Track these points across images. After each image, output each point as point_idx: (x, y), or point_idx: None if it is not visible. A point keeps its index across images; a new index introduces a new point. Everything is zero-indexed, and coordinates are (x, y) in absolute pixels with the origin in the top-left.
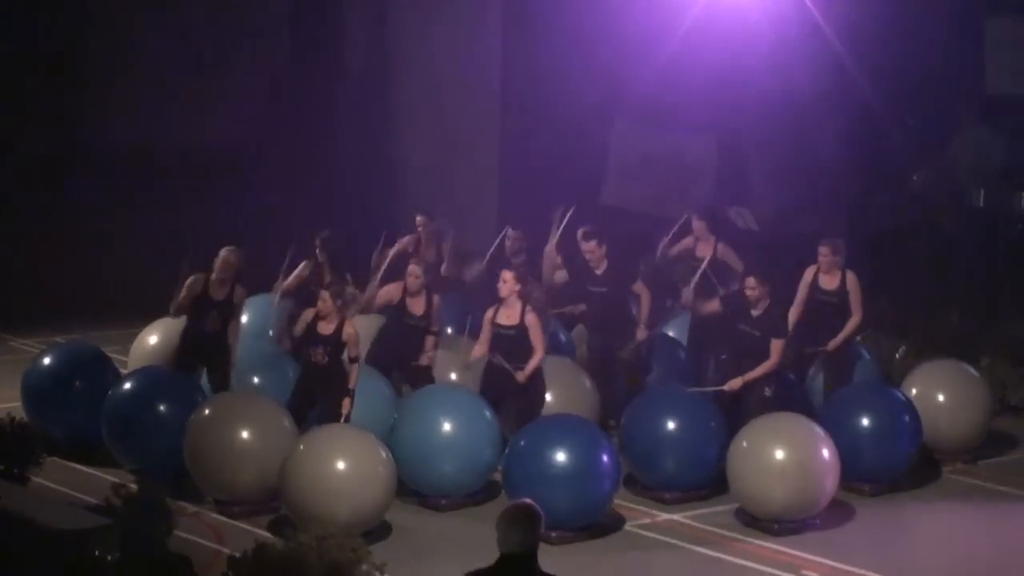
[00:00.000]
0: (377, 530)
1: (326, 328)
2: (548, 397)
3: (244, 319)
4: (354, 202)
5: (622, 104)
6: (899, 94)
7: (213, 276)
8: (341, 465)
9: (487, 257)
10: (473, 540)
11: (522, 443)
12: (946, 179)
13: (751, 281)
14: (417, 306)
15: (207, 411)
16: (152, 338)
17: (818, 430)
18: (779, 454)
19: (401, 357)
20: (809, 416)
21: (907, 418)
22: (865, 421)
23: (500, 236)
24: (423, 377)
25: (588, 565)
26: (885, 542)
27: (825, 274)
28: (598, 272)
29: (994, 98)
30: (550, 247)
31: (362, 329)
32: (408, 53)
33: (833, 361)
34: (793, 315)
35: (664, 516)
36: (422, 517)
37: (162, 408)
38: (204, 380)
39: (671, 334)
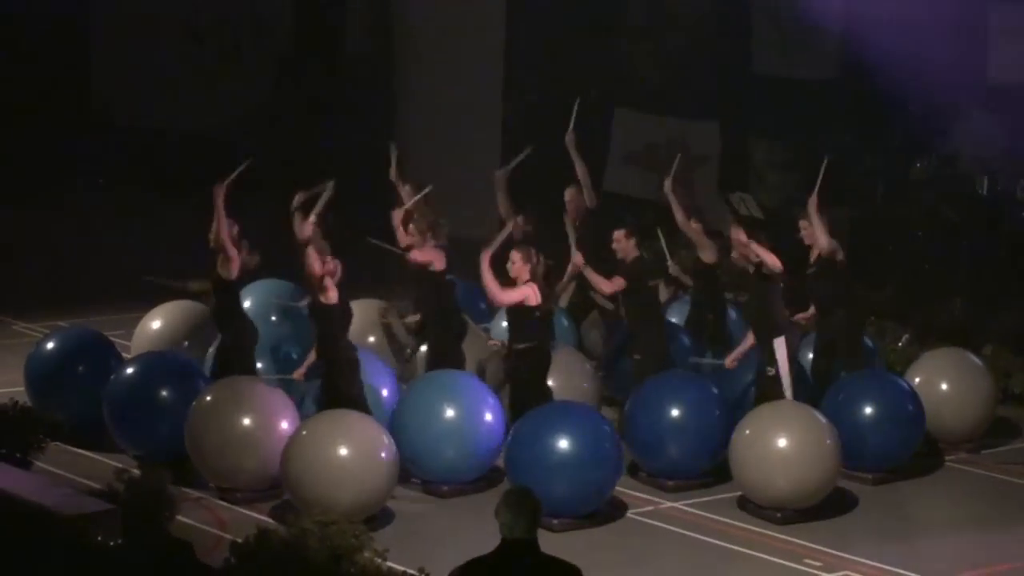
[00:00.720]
0: (379, 516)
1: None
2: (550, 383)
3: (247, 303)
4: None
5: (625, 90)
6: (903, 81)
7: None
8: (343, 451)
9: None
10: (475, 526)
11: (524, 430)
12: (949, 167)
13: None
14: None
15: (208, 398)
16: (155, 323)
17: (821, 418)
18: (782, 442)
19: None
20: (812, 403)
21: (910, 406)
22: (868, 409)
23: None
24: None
25: (590, 552)
26: (887, 530)
27: (810, 248)
28: (628, 263)
29: (998, 86)
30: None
31: (356, 315)
32: (412, 33)
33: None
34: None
35: (666, 504)
36: (424, 503)
37: (164, 393)
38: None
39: (672, 319)
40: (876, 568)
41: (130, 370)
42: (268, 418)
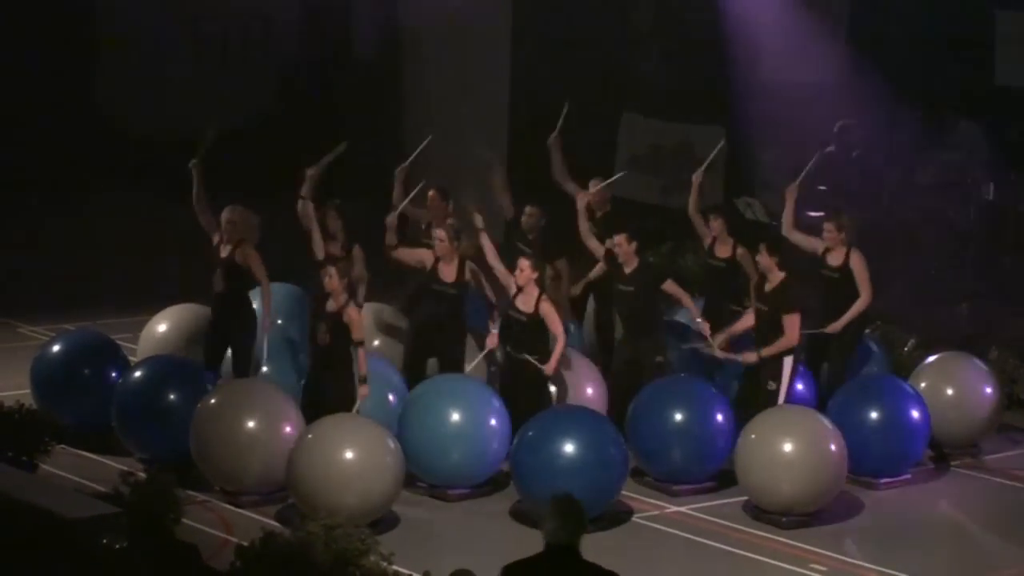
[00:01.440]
0: (385, 520)
1: (332, 306)
2: (554, 388)
3: (255, 308)
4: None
5: (631, 94)
6: (908, 85)
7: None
8: (349, 455)
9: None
10: (481, 530)
11: (530, 434)
12: (954, 171)
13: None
14: (448, 273)
15: (214, 400)
16: (161, 326)
17: (826, 423)
18: (787, 447)
19: (439, 324)
20: (818, 408)
21: (915, 411)
22: (873, 414)
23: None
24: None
25: (595, 557)
26: (892, 535)
27: (831, 251)
28: (627, 270)
29: (1003, 90)
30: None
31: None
32: (418, 37)
33: (836, 345)
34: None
35: (672, 508)
36: (430, 507)
37: (172, 397)
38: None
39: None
40: (881, 573)
41: (138, 373)
42: (274, 421)
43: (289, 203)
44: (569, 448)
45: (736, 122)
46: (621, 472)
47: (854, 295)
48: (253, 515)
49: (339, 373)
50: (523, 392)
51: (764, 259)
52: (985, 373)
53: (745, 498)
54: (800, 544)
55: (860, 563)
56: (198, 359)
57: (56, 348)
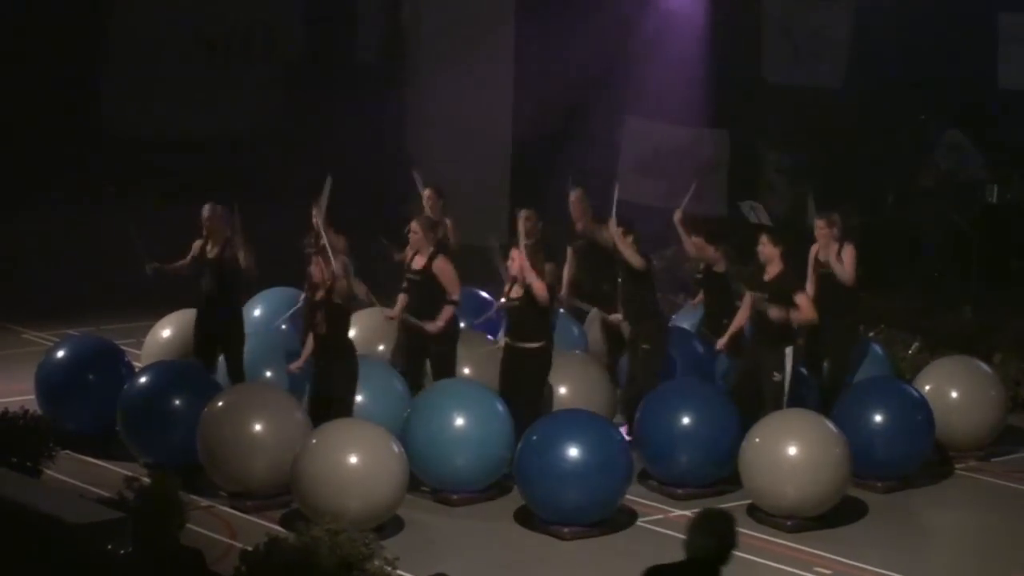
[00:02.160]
0: (389, 524)
1: (321, 294)
2: (561, 391)
3: (256, 312)
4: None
5: (634, 97)
6: (911, 88)
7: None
8: (353, 459)
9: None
10: (485, 534)
11: (534, 438)
12: (958, 174)
13: None
14: (418, 262)
15: (220, 403)
16: (165, 331)
17: (831, 426)
18: (792, 450)
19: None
20: (820, 405)
21: (920, 414)
22: (878, 417)
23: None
24: (440, 358)
25: (600, 561)
26: (897, 539)
27: (823, 248)
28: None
29: (1007, 92)
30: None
31: (362, 321)
32: (421, 44)
33: (834, 342)
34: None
35: (677, 512)
36: (434, 511)
37: (176, 402)
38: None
39: (684, 326)
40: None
41: (143, 378)
42: (281, 422)
43: (290, 206)
44: (573, 452)
45: (739, 125)
46: (626, 476)
47: (842, 290)
48: (257, 520)
49: (341, 357)
50: (522, 382)
51: (767, 249)
52: (989, 376)
53: (749, 501)
54: (804, 547)
55: (864, 566)
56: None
57: (60, 354)
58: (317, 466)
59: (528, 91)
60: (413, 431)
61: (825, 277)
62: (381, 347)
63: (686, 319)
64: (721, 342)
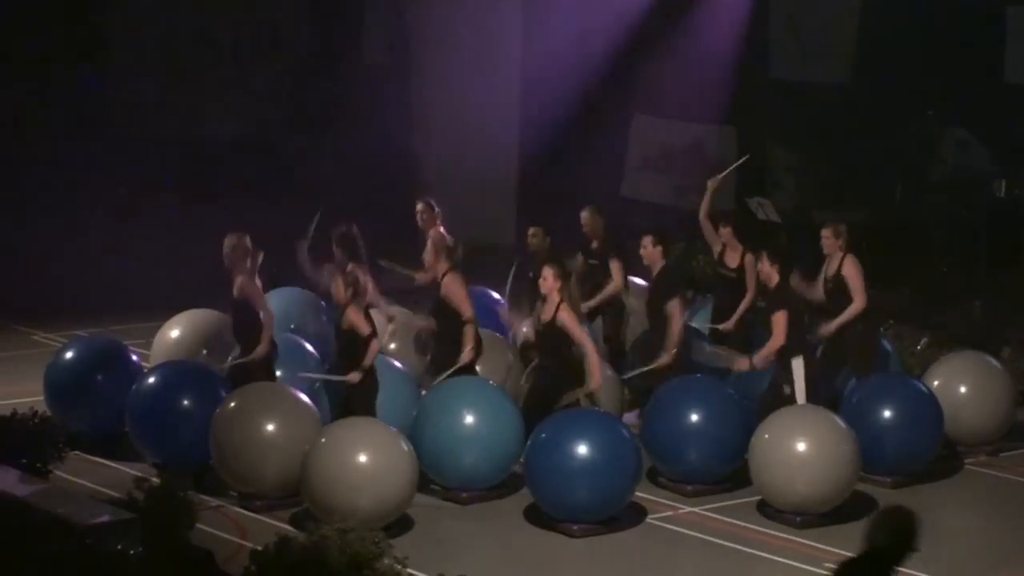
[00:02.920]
0: (399, 523)
1: (338, 316)
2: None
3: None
4: (373, 195)
5: (641, 96)
6: (918, 83)
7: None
8: (363, 458)
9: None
10: (495, 533)
11: (543, 436)
12: (966, 170)
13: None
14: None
15: (233, 403)
16: (174, 332)
17: (840, 422)
18: (801, 446)
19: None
20: (831, 408)
21: (929, 410)
22: (887, 413)
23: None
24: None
25: (609, 558)
26: None
27: (829, 258)
28: (655, 274)
29: (1015, 87)
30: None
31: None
32: (428, 44)
33: (831, 349)
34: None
35: (686, 509)
36: (444, 510)
37: (185, 402)
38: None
39: (695, 326)
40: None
41: (153, 379)
42: (293, 423)
43: (293, 207)
44: (582, 450)
45: (748, 122)
46: (635, 474)
47: (848, 300)
48: (267, 519)
49: (362, 377)
50: (539, 396)
51: (765, 267)
52: (998, 371)
53: (759, 498)
54: (814, 543)
55: None
56: (211, 364)
57: (69, 355)
58: (327, 465)
59: (535, 91)
60: (422, 430)
61: (837, 286)
62: (393, 345)
63: (699, 319)
64: (726, 325)
